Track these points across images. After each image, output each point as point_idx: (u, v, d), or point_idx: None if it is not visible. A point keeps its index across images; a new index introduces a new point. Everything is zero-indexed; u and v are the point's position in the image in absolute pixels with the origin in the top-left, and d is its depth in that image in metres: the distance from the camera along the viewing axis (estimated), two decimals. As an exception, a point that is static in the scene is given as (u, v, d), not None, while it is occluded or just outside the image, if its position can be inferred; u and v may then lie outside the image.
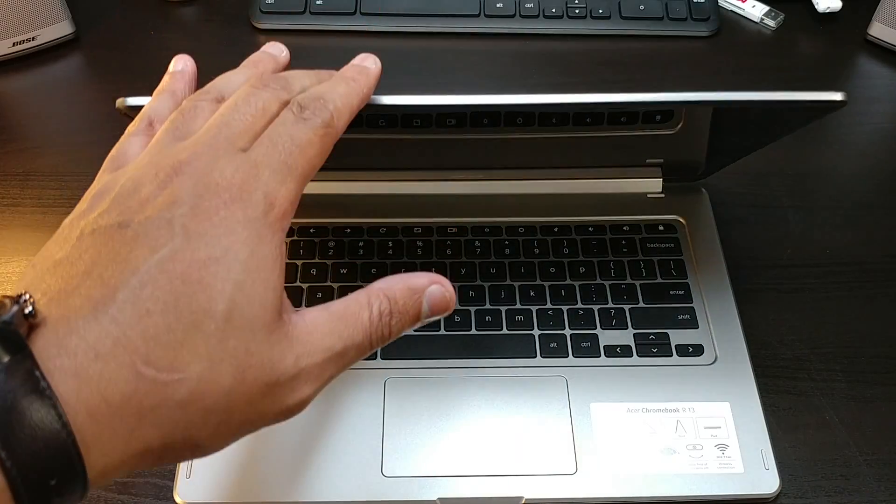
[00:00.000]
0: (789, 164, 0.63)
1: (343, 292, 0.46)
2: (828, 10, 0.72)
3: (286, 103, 0.33)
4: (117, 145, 0.34)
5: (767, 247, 0.57)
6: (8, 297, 0.26)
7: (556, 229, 0.55)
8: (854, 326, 0.53)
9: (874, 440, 0.48)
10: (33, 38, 0.69)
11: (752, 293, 0.54)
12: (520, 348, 0.50)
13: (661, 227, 0.56)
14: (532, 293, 0.52)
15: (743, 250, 0.56)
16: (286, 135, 0.31)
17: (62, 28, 0.70)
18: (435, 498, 0.44)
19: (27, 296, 0.26)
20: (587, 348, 0.50)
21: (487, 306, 0.52)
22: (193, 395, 0.27)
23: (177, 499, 0.44)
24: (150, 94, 0.37)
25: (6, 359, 0.24)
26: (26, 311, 0.26)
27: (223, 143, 0.30)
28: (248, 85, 0.33)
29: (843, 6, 0.72)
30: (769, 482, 0.45)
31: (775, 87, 0.42)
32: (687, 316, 0.51)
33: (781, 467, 0.46)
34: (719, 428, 0.46)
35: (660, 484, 0.45)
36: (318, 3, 0.73)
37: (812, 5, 0.73)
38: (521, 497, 0.44)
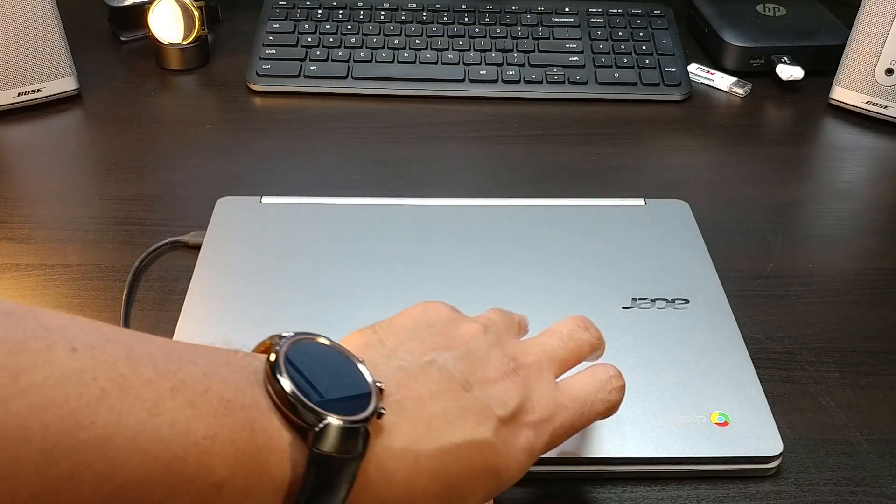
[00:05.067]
0: (766, 198, 0.64)
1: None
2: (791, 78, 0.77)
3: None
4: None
5: (750, 261, 0.58)
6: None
7: None
8: (842, 326, 0.53)
9: (873, 421, 0.47)
10: (38, 90, 0.72)
11: (737, 298, 0.53)
12: None
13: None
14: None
15: (727, 263, 0.57)
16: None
17: (67, 83, 0.73)
18: None
19: (380, 386, 0.31)
20: None
21: None
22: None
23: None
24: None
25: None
26: (381, 410, 0.30)
27: (547, 364, 0.38)
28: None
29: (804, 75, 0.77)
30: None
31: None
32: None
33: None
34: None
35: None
36: (312, 68, 0.77)
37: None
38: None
